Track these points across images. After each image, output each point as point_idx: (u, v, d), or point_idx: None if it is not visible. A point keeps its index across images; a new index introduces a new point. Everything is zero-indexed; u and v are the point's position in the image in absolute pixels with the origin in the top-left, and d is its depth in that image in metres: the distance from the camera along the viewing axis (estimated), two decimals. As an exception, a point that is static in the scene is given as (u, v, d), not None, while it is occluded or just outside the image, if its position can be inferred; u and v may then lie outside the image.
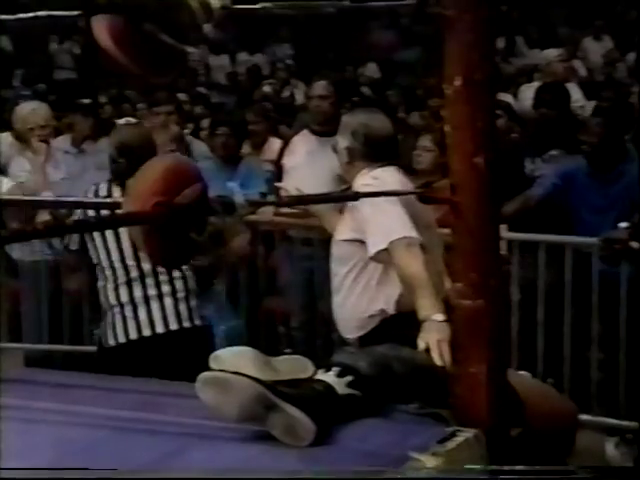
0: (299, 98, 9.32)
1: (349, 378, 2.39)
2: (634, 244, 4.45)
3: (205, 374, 2.31)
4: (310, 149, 5.18)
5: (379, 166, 2.93)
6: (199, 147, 6.13)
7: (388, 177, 2.89)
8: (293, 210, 4.56)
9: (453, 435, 2.32)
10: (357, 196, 2.68)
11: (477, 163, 2.40)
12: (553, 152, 4.92)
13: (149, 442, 2.24)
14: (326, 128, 5.14)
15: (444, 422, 2.44)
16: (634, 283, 4.60)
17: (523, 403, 2.63)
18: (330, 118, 5.12)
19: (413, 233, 2.76)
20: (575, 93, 7.89)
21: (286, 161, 5.23)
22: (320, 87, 5.23)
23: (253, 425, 2.30)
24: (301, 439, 2.25)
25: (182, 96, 7.95)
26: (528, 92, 7.13)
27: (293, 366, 2.40)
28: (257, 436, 2.27)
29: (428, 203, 2.42)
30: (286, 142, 5.37)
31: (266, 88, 9.75)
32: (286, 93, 10.00)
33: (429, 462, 2.16)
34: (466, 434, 2.33)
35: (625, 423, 4.46)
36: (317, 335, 4.98)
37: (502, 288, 2.52)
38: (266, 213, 4.93)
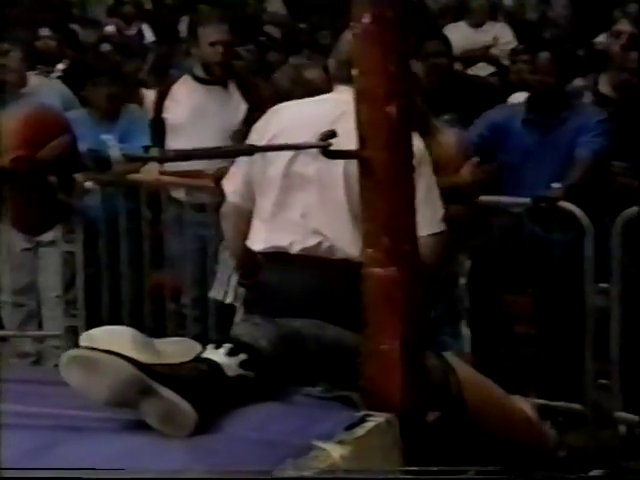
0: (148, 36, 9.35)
1: (242, 357, 2.41)
2: (565, 205, 4.60)
3: (71, 352, 2.31)
4: (198, 102, 5.16)
5: None
6: (66, 93, 6.05)
7: None
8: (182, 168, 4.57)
9: (363, 421, 2.36)
10: (252, 150, 2.69)
11: (388, 112, 2.43)
12: (446, 117, 4.94)
13: (16, 437, 2.22)
14: (216, 76, 5.14)
15: (353, 406, 2.48)
16: (568, 250, 4.76)
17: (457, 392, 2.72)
18: (224, 65, 5.12)
19: (232, 198, 3.18)
20: (505, 34, 8.06)
21: (168, 115, 5.20)
22: (216, 31, 5.18)
23: (126, 411, 2.31)
24: (180, 427, 2.26)
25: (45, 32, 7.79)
26: (454, 33, 7.24)
27: (179, 349, 2.41)
28: (141, 425, 2.28)
29: (333, 158, 2.45)
30: (164, 92, 5.32)
31: (109, 28, 9.70)
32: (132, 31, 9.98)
33: (335, 451, 2.20)
34: (377, 419, 2.38)
35: (562, 404, 4.67)
36: (211, 313, 5.01)
37: (417, 254, 2.56)
38: (150, 172, 4.92)
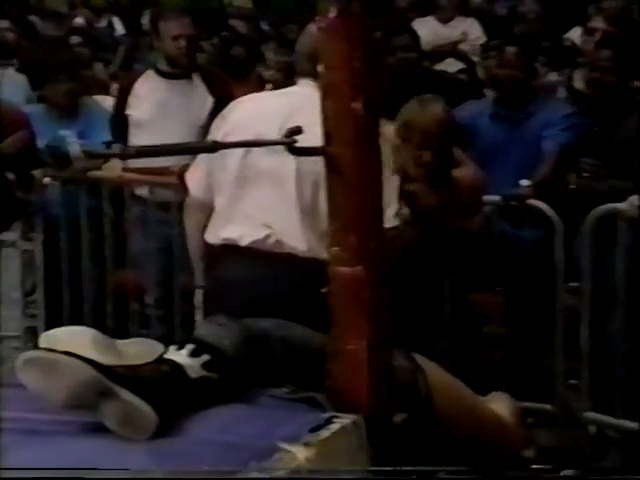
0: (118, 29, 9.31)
1: (205, 358, 2.41)
2: (535, 202, 4.64)
3: (28, 353, 2.30)
4: (162, 97, 5.15)
5: None
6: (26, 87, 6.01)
7: None
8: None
9: (329, 422, 2.37)
10: (216, 147, 2.69)
11: (354, 108, 2.43)
12: None
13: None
14: (180, 70, 5.13)
15: (319, 408, 2.48)
16: (538, 248, 4.80)
17: (427, 395, 2.73)
18: (188, 59, 5.11)
19: (194, 192, 3.23)
20: (475, 30, 8.08)
21: (132, 111, 5.18)
22: (178, 25, 5.18)
23: (85, 414, 2.30)
24: (140, 430, 2.26)
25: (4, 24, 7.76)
26: (422, 28, 7.24)
27: (140, 350, 2.41)
28: (100, 428, 2.28)
29: (298, 155, 2.45)
30: (126, 87, 5.30)
31: (78, 20, 9.66)
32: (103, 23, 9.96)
33: (300, 453, 2.20)
34: (343, 421, 2.38)
35: (532, 405, 4.70)
36: (176, 314, 5.00)
37: (385, 253, 2.56)
38: (113, 168, 4.90)
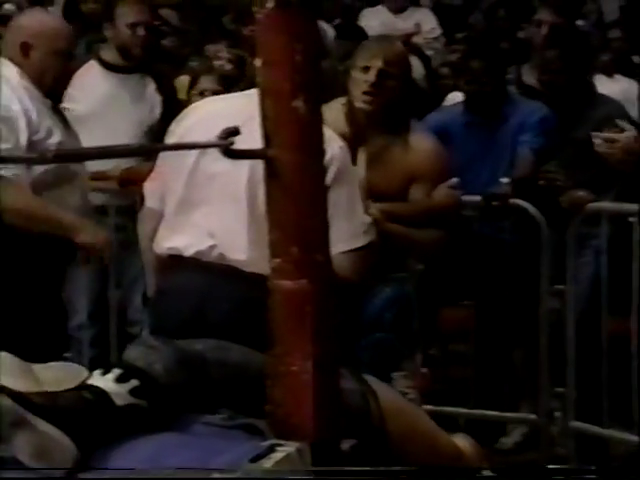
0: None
1: (134, 383, 2.38)
2: (518, 202, 4.73)
3: None
4: (107, 91, 5.08)
5: None
6: None
7: None
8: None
9: (271, 450, 2.35)
10: (146, 149, 2.66)
11: (295, 107, 2.42)
12: None
13: None
14: (132, 63, 5.06)
15: (259, 435, 2.47)
16: (517, 252, 4.89)
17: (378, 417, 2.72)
18: (144, 50, 5.05)
19: (149, 201, 3.25)
20: (429, 21, 8.12)
21: (71, 105, 5.11)
22: (136, 11, 5.12)
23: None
24: (57, 464, 2.22)
25: None
26: (372, 19, 7.27)
27: (61, 375, 2.38)
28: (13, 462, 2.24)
29: (234, 158, 2.43)
30: (65, 78, 5.24)
31: (8, 6, 9.54)
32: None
33: (239, 485, 2.19)
34: (287, 449, 2.37)
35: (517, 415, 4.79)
36: (109, 334, 4.95)
37: (330, 265, 2.55)
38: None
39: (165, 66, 5.88)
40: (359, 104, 4.04)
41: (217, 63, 6.28)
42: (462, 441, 3.07)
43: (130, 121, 4.87)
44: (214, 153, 2.93)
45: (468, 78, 5.22)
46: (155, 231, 3.19)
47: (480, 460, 3.05)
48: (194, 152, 3.06)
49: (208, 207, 3.04)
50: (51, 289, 4.20)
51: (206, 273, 2.97)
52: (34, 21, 4.21)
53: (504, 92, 5.28)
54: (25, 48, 4.09)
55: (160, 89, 5.12)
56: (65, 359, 4.21)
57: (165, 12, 8.76)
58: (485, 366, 5.00)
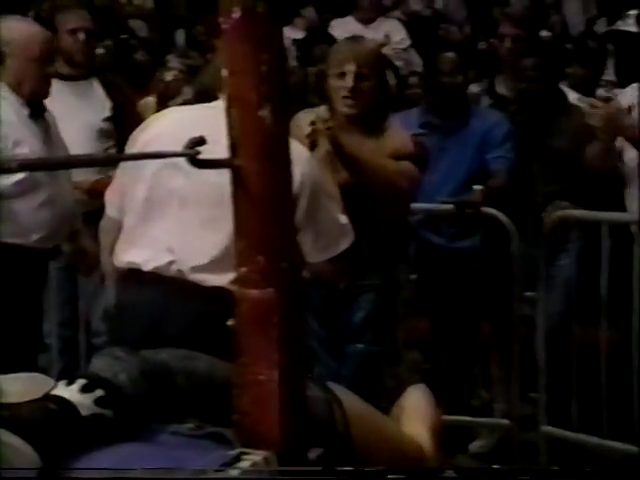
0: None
1: (99, 393, 2.38)
2: (489, 210, 4.77)
3: None
4: (60, 100, 5.09)
5: None
6: None
7: None
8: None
9: (237, 460, 2.35)
10: (111, 159, 2.66)
11: (261, 117, 2.43)
12: None
13: None
14: (78, 70, 5.08)
15: (226, 444, 2.47)
16: (484, 259, 4.92)
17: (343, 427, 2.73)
18: (86, 55, 5.07)
19: (109, 211, 3.24)
20: (398, 31, 8.15)
21: None
22: (76, 17, 5.15)
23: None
24: (19, 475, 2.21)
25: None
26: (341, 30, 7.29)
27: (25, 386, 2.36)
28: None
29: (200, 167, 2.43)
30: (44, 85, 5.23)
31: None
32: None
33: (206, 494, 2.19)
34: (253, 458, 2.37)
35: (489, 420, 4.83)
36: (77, 344, 4.95)
37: (297, 274, 2.56)
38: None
39: (118, 76, 5.88)
40: (342, 109, 4.13)
41: (168, 74, 6.31)
42: (417, 393, 3.09)
43: (77, 127, 4.87)
44: (174, 168, 2.94)
45: (436, 70, 5.24)
46: (115, 241, 3.17)
47: (442, 459, 3.07)
48: (153, 164, 3.02)
49: (167, 222, 3.01)
50: (31, 293, 4.20)
51: (164, 288, 2.95)
52: (9, 29, 4.20)
53: (465, 96, 5.29)
54: (1, 57, 4.09)
55: (110, 95, 5.13)
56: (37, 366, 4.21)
57: (134, 23, 8.76)
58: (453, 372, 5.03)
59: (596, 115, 4.58)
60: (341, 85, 4.15)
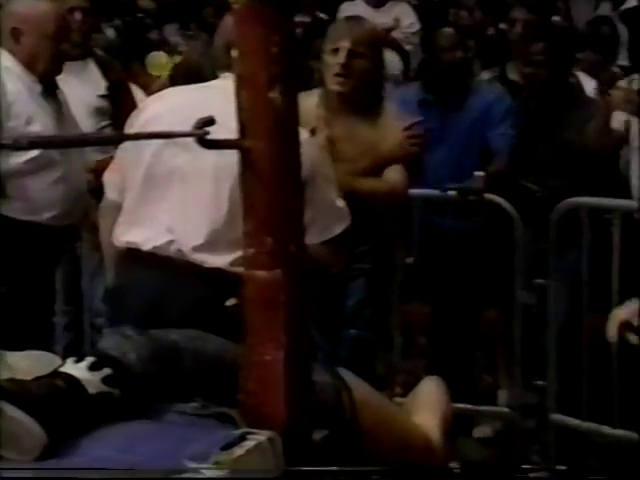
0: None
1: (107, 372, 2.39)
2: (492, 197, 4.75)
3: None
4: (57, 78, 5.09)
5: None
6: None
7: None
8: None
9: (242, 439, 2.35)
10: (122, 138, 2.67)
11: (271, 98, 2.43)
12: None
13: None
14: (75, 50, 5.08)
15: (231, 424, 2.48)
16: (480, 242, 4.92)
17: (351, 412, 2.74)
18: (83, 35, 5.07)
19: (109, 193, 3.23)
20: (408, 15, 8.12)
21: None
22: None
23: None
24: (26, 451, 2.23)
25: None
26: (351, 13, 7.26)
27: (34, 363, 2.38)
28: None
29: (209, 148, 2.43)
30: (58, 62, 5.23)
31: None
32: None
33: (210, 473, 2.19)
34: (258, 438, 2.37)
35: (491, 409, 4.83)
36: (83, 323, 4.96)
37: (304, 255, 2.56)
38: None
39: (127, 57, 5.88)
40: (332, 86, 4.07)
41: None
42: (431, 384, 3.11)
43: (75, 104, 4.87)
44: (174, 147, 2.94)
45: (437, 46, 5.18)
46: (115, 223, 3.16)
47: (449, 450, 3.07)
48: (154, 144, 3.02)
49: (167, 202, 3.01)
50: (44, 271, 4.21)
51: (163, 268, 2.95)
52: (23, 7, 4.21)
53: (463, 74, 5.20)
54: (15, 34, 4.10)
55: (105, 75, 5.14)
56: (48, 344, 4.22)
57: (144, 3, 8.74)
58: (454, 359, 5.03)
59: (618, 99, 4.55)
60: (334, 61, 4.07)
